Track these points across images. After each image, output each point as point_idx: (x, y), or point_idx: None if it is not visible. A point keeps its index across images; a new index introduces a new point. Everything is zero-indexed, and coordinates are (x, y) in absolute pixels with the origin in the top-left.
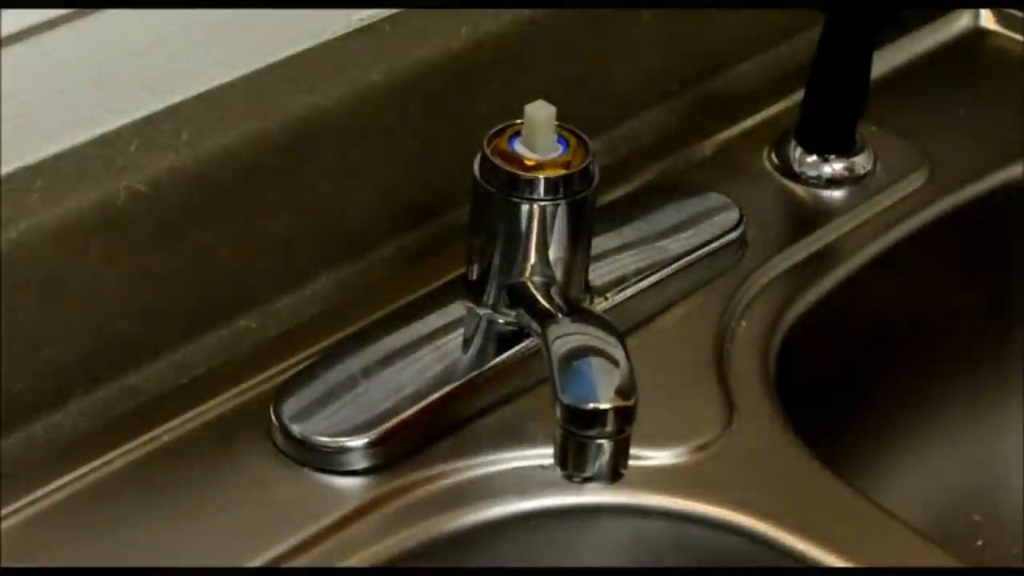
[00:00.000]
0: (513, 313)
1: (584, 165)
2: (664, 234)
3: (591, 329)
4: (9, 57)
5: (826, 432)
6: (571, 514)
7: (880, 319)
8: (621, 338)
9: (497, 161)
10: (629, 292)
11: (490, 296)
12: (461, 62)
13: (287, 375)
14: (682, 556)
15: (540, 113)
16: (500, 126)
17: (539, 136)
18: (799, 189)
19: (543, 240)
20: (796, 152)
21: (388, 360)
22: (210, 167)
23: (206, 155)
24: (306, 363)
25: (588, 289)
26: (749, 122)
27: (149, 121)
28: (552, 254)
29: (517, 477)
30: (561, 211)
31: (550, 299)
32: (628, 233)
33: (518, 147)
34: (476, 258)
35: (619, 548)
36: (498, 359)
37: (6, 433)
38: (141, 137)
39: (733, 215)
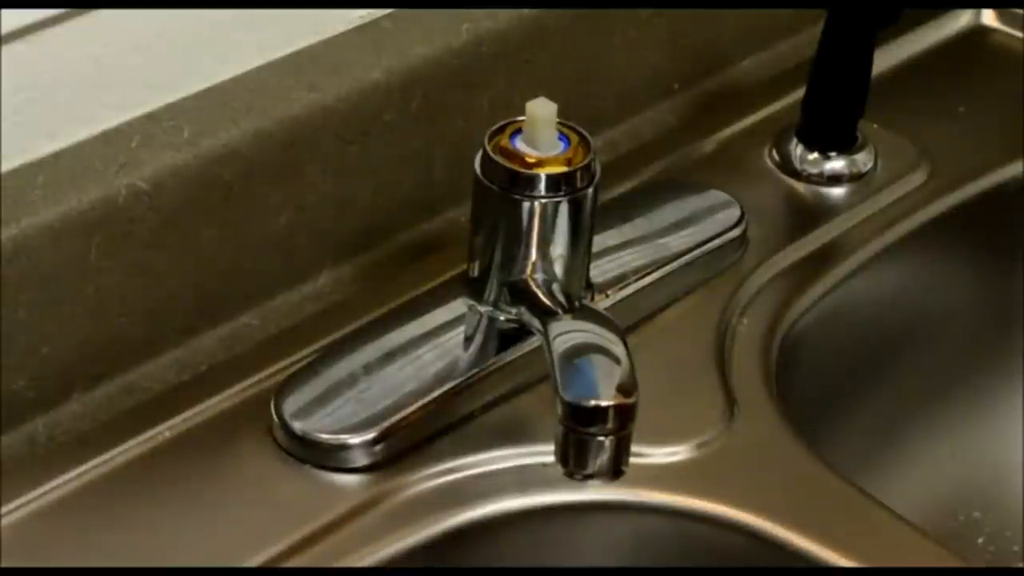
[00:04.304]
0: (514, 310)
1: (585, 162)
2: (665, 231)
3: (592, 326)
4: (10, 55)
5: (827, 429)
6: (572, 511)
7: (881, 316)
8: (622, 335)
9: (498, 158)
10: (630, 289)
11: (491, 293)
12: (462, 59)
13: (288, 372)
14: (683, 553)
15: (541, 110)
16: (501, 123)
17: (540, 133)
18: (800, 186)
19: (544, 237)
20: (797, 149)
21: (389, 357)
22: (211, 164)
23: (207, 152)
24: (307, 360)
25: (589, 286)
26: (750, 119)
27: (150, 118)
28: (553, 251)
29: (518, 474)
30: (562, 208)
31: (551, 296)
32: (629, 230)
33: (519, 144)
34: (477, 255)
35: (620, 546)
36: (499, 356)
37: (7, 430)
38: (142, 134)
39: (734, 212)
